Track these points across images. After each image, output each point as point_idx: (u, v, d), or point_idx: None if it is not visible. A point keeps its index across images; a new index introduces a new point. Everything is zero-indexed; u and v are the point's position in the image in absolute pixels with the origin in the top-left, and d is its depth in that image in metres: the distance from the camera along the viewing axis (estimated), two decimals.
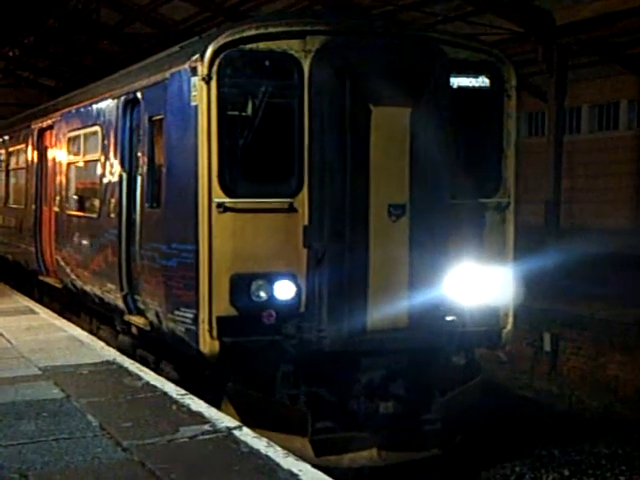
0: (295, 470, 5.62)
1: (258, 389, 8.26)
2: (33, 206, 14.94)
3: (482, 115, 9.14)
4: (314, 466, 5.80)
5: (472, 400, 8.89)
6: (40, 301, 14.68)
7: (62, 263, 13.00)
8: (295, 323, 8.16)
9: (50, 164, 14.10)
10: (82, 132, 12.23)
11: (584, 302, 14.97)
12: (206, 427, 6.58)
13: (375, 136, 8.21)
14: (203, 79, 8.09)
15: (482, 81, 8.97)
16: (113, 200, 10.48)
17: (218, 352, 8.10)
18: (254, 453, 5.98)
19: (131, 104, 10.20)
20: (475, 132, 9.09)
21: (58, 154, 13.49)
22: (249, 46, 8.22)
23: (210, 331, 8.10)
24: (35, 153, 15.07)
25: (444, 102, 8.41)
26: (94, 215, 11.42)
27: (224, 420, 6.80)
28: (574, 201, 22.22)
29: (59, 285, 13.43)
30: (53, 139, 13.91)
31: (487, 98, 9.05)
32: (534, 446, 10.97)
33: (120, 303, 10.29)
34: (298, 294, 8.23)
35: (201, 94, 8.12)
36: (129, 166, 10.17)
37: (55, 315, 12.57)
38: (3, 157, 18.34)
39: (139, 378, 8.26)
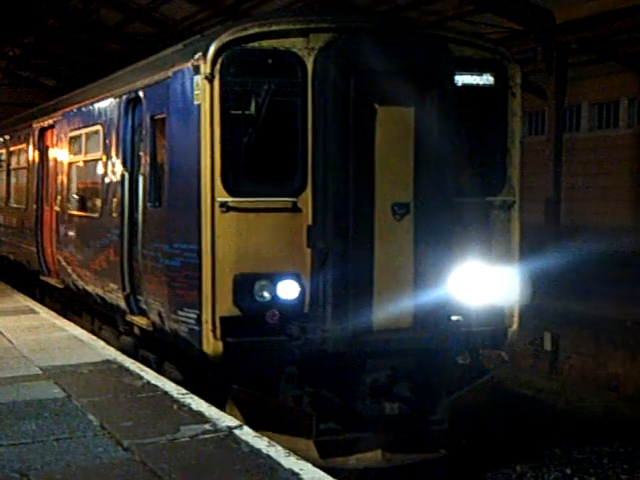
0: (296, 469, 5.62)
1: (262, 390, 8.20)
2: (34, 206, 14.89)
3: (487, 113, 9.07)
4: (318, 467, 5.77)
5: (479, 400, 8.83)
6: (41, 301, 14.66)
7: (63, 263, 12.94)
8: (299, 323, 8.09)
9: (51, 163, 14.06)
10: (83, 131, 12.17)
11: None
12: (207, 426, 6.58)
13: (379, 134, 8.17)
14: (206, 77, 8.02)
15: (487, 79, 8.90)
16: (115, 199, 10.43)
17: (221, 353, 8.04)
18: (255, 452, 5.97)
19: (133, 103, 10.14)
20: (480, 130, 9.03)
21: (59, 153, 13.44)
22: (252, 44, 8.16)
23: (213, 331, 8.03)
24: (36, 152, 15.02)
25: (449, 100, 8.35)
26: (96, 215, 11.36)
27: (225, 419, 6.80)
28: (574, 199, 22.20)
29: (60, 285, 13.37)
30: (54, 138, 13.86)
31: (492, 96, 8.98)
32: (536, 444, 10.93)
33: (122, 303, 10.23)
34: (302, 294, 8.17)
35: (204, 93, 8.06)
36: (131, 165, 10.11)
37: (55, 315, 12.56)
38: (4, 157, 18.28)
39: (140, 377, 8.26)
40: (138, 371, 8.55)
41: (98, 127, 11.34)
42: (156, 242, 9.21)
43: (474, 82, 8.85)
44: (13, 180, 17.53)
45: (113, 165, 10.61)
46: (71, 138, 12.81)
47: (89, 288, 11.73)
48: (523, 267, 9.22)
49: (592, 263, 16.89)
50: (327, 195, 8.07)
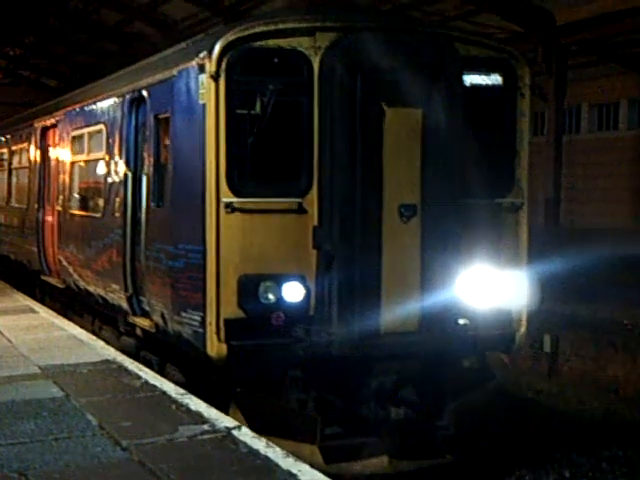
0: (294, 470, 5.62)
1: (266, 393, 8.11)
2: (36, 205, 14.82)
3: (495, 113, 8.97)
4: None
5: (485, 404, 8.73)
6: (42, 301, 14.60)
7: (65, 263, 12.86)
8: (304, 326, 7.99)
9: (53, 163, 13.98)
10: (86, 131, 12.10)
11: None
12: (205, 427, 6.59)
13: (386, 134, 8.07)
14: (211, 76, 7.93)
15: (495, 79, 8.80)
16: (118, 199, 10.34)
17: (225, 355, 7.94)
18: (253, 453, 5.97)
19: (137, 102, 10.05)
20: (488, 130, 8.92)
21: (61, 153, 13.36)
22: (258, 43, 8.07)
23: (217, 334, 7.93)
24: (38, 152, 14.95)
25: (456, 100, 8.27)
26: (98, 214, 11.28)
27: (223, 420, 6.79)
28: (574, 201, 22.16)
29: (61, 285, 13.30)
30: (56, 138, 13.79)
31: (500, 96, 8.89)
32: (534, 447, 10.85)
33: (124, 304, 10.14)
34: (307, 296, 8.06)
35: (209, 92, 7.96)
36: (134, 165, 10.03)
37: (55, 314, 12.55)
38: (5, 156, 18.21)
39: (138, 377, 8.26)
40: (137, 371, 8.53)
41: (101, 126, 11.26)
42: (159, 243, 9.11)
43: (482, 82, 8.75)
44: (14, 179, 17.47)
45: (116, 165, 10.52)
46: (73, 137, 12.72)
47: (90, 288, 11.64)
48: (531, 270, 9.11)
49: (594, 265, 16.79)
50: (333, 196, 7.98)
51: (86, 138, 12.10)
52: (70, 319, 12.37)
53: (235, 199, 7.97)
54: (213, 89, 7.94)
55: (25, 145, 16.11)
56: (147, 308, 9.60)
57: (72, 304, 13.42)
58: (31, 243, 15.12)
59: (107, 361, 9.00)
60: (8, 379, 8.19)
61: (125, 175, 10.11)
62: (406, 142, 8.15)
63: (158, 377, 8.35)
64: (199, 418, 6.80)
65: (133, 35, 26.71)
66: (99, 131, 11.36)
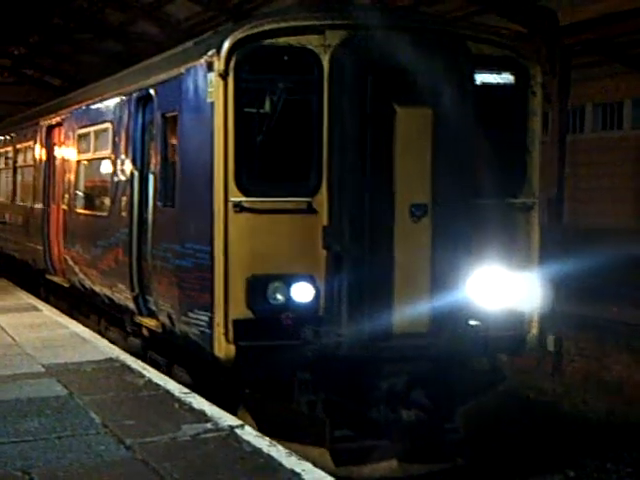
0: (297, 469, 5.61)
1: (275, 395, 8.01)
2: (41, 204, 14.76)
3: (506, 112, 8.88)
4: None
5: (496, 406, 8.63)
6: (47, 300, 14.57)
7: (70, 262, 12.79)
8: (313, 327, 7.88)
9: (58, 161, 13.94)
10: (92, 129, 12.04)
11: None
12: (208, 425, 6.59)
13: (397, 133, 7.95)
14: (220, 75, 7.85)
15: (507, 77, 8.71)
16: (124, 198, 10.27)
17: (234, 356, 7.85)
18: (256, 452, 5.97)
19: (144, 101, 9.99)
20: (499, 130, 8.81)
21: (67, 151, 13.31)
22: (267, 41, 7.99)
23: (226, 334, 7.85)
24: (43, 150, 14.91)
25: (468, 99, 8.17)
26: (104, 213, 11.21)
27: (226, 419, 6.78)
28: (577, 200, 22.08)
29: (66, 284, 13.25)
30: (62, 136, 13.75)
31: (512, 95, 8.80)
32: (539, 447, 10.81)
33: (130, 304, 10.07)
34: (316, 297, 7.98)
35: (217, 90, 7.88)
36: (141, 163, 9.98)
37: (58, 312, 12.55)
38: (11, 154, 18.17)
39: (142, 376, 8.26)
40: (140, 369, 8.53)
41: (107, 125, 11.19)
42: (166, 242, 9.03)
43: (494, 81, 8.66)
44: (19, 178, 17.43)
45: (122, 163, 10.45)
46: (79, 136, 12.67)
47: (96, 288, 11.57)
48: (543, 270, 9.02)
49: (603, 266, 16.68)
50: (343, 195, 7.89)
51: (92, 136, 12.04)
52: (75, 318, 12.33)
53: (244, 198, 7.89)
54: (222, 87, 7.85)
55: (30, 143, 16.07)
56: (154, 308, 9.52)
57: (77, 304, 13.36)
58: (36, 242, 15.07)
59: (111, 359, 9.00)
60: (12, 377, 8.20)
61: (132, 174, 10.04)
62: (417, 141, 8.03)
63: (161, 376, 8.33)
64: (202, 417, 6.81)
65: (137, 35, 26.66)
66: (105, 129, 11.30)
